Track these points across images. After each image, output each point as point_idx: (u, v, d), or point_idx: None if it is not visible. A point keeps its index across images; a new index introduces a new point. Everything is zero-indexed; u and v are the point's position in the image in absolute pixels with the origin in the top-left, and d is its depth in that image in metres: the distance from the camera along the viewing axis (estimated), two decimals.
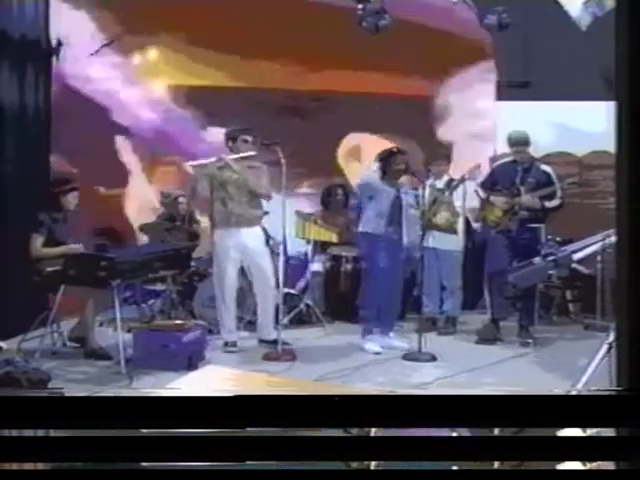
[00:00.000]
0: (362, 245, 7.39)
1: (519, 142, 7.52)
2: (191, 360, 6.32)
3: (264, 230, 7.30)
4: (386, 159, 7.20)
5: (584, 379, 4.43)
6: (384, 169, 7.16)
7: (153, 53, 9.39)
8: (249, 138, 7.13)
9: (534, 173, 7.47)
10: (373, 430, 2.79)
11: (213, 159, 7.04)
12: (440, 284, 7.93)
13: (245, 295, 7.44)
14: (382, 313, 7.19)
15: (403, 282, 7.43)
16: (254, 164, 7.13)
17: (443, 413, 1.85)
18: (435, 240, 7.68)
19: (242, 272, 7.28)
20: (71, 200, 6.94)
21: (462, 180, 7.78)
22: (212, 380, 5.10)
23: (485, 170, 8.02)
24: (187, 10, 8.57)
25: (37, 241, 6.71)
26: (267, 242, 7.26)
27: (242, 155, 7.06)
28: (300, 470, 1.92)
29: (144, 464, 1.98)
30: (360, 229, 7.28)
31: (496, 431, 2.19)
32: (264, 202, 7.25)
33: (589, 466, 2.59)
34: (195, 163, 7.17)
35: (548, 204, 7.40)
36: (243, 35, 8.78)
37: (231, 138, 7.16)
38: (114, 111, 9.11)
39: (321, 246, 8.52)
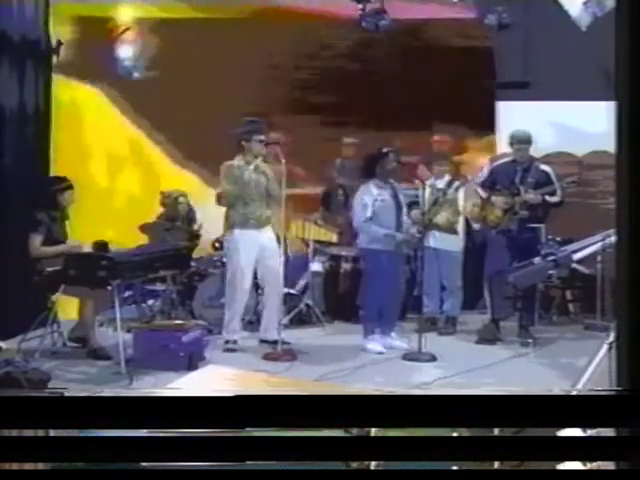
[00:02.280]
0: (364, 256, 7.36)
1: (522, 140, 7.52)
2: (191, 360, 6.32)
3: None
4: (375, 159, 7.20)
5: (584, 379, 4.42)
6: (374, 170, 7.15)
7: None
8: (263, 138, 7.12)
9: (533, 173, 7.47)
10: (373, 430, 2.79)
11: (241, 161, 7.04)
12: (440, 284, 7.93)
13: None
14: (383, 313, 7.18)
15: (404, 282, 7.42)
16: (270, 162, 7.14)
17: (443, 413, 1.85)
18: (435, 240, 7.68)
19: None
20: (67, 198, 6.95)
21: (463, 180, 7.78)
22: (212, 380, 5.10)
23: (485, 170, 8.01)
24: None
25: (36, 240, 6.72)
26: (278, 241, 7.22)
27: (258, 161, 7.05)
28: (300, 470, 1.92)
29: (144, 464, 1.98)
30: (361, 245, 7.25)
31: (496, 431, 2.19)
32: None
33: (589, 466, 2.59)
34: (227, 164, 7.10)
35: (550, 199, 7.41)
36: None
37: (245, 138, 7.13)
38: None
39: (321, 246, 8.51)
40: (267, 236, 7.13)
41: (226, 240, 7.30)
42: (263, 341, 7.15)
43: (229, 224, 7.16)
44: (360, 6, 8.29)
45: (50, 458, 1.96)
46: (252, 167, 7.06)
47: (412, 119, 8.92)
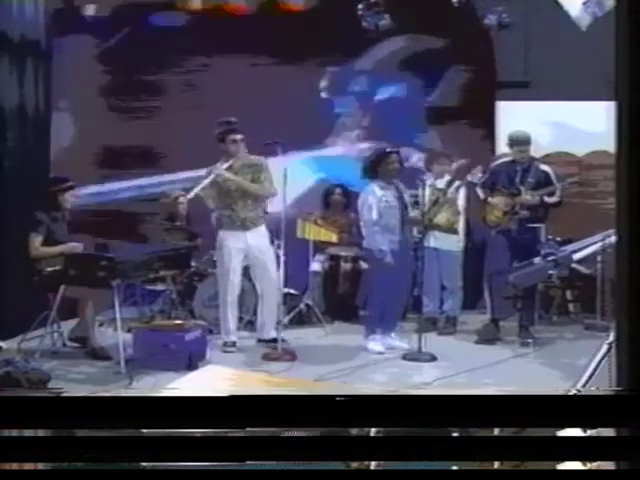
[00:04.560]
0: (369, 256, 7.34)
1: (521, 141, 7.52)
2: (191, 360, 6.31)
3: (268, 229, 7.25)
4: (378, 160, 7.19)
5: (584, 379, 4.42)
6: (376, 170, 7.14)
7: None
8: (238, 137, 7.01)
9: (534, 173, 7.47)
10: (373, 430, 2.79)
11: (207, 181, 6.94)
12: (440, 284, 7.93)
13: (245, 295, 7.44)
14: (386, 313, 7.18)
15: (408, 283, 7.41)
16: (252, 162, 7.08)
17: (443, 413, 1.85)
18: (436, 240, 7.68)
19: (244, 271, 7.27)
20: (68, 199, 6.94)
21: (463, 180, 7.78)
22: (212, 380, 5.10)
23: (485, 170, 8.01)
24: None
25: (36, 240, 6.71)
26: (272, 241, 7.21)
27: (227, 165, 6.96)
28: (300, 470, 1.92)
29: (144, 464, 1.98)
30: (365, 245, 7.24)
31: (496, 431, 2.19)
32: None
33: (589, 466, 2.59)
34: (191, 194, 7.02)
35: (548, 199, 7.41)
36: None
37: (220, 139, 7.05)
38: None
39: (321, 246, 8.51)
40: (257, 236, 7.08)
41: (216, 243, 7.29)
42: (261, 340, 7.15)
43: (218, 225, 7.15)
44: (360, 6, 8.28)
45: (50, 458, 1.96)
46: (226, 168, 6.98)
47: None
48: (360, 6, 8.27)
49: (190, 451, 1.86)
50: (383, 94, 9.26)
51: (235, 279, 7.08)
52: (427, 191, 7.66)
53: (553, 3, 7.98)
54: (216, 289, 7.50)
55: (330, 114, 9.23)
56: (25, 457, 1.94)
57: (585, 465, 2.62)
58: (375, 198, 7.06)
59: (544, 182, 7.46)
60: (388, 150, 7.23)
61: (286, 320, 7.42)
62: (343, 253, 8.39)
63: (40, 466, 2.13)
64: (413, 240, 7.19)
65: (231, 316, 7.09)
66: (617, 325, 2.13)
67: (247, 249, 7.06)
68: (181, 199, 8.40)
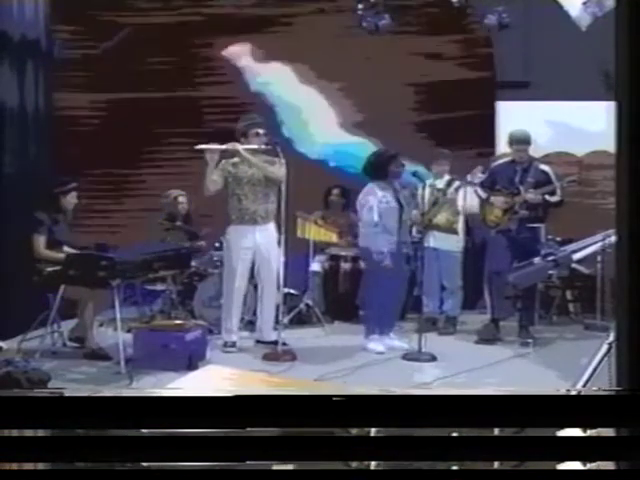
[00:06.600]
0: (366, 255, 7.33)
1: (521, 141, 7.52)
2: (191, 360, 6.31)
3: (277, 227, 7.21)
4: (386, 161, 7.19)
5: (584, 379, 4.42)
6: (382, 172, 7.14)
7: None
8: (260, 131, 7.03)
9: (533, 173, 7.48)
10: (373, 430, 2.79)
11: (225, 146, 6.92)
12: (440, 284, 7.93)
13: (246, 295, 7.43)
14: (384, 313, 7.18)
15: (406, 282, 7.42)
16: (267, 158, 7.05)
17: (443, 413, 1.85)
18: (435, 240, 7.68)
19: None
20: (70, 200, 6.93)
21: (462, 180, 7.79)
22: (212, 380, 5.10)
23: (485, 170, 8.02)
24: None
25: (40, 242, 6.70)
26: (279, 242, 7.17)
27: (254, 147, 6.92)
28: (300, 470, 1.92)
29: (144, 464, 1.98)
30: (361, 244, 7.24)
31: (496, 431, 2.19)
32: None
33: (589, 466, 2.59)
34: (207, 147, 6.93)
35: (549, 198, 7.42)
36: None
37: (242, 133, 7.05)
38: None
39: (321, 246, 8.51)
40: (265, 233, 7.05)
41: (224, 237, 7.27)
42: (260, 342, 7.14)
43: (228, 220, 7.12)
44: (360, 6, 8.29)
45: (50, 458, 1.96)
46: (243, 161, 6.95)
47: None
48: (360, 6, 8.28)
49: (190, 451, 1.85)
50: None
51: (242, 280, 7.06)
52: (427, 191, 7.67)
53: (553, 3, 7.98)
54: (216, 289, 7.51)
55: None
56: (25, 457, 1.94)
57: (585, 465, 2.62)
58: (376, 199, 7.07)
59: (544, 182, 7.46)
60: (394, 153, 7.23)
61: (286, 320, 7.42)
62: (343, 253, 8.39)
63: (40, 466, 2.13)
64: (411, 240, 7.20)
65: (234, 316, 7.08)
66: (617, 325, 2.13)
67: (255, 247, 7.03)
68: (181, 199, 8.42)
